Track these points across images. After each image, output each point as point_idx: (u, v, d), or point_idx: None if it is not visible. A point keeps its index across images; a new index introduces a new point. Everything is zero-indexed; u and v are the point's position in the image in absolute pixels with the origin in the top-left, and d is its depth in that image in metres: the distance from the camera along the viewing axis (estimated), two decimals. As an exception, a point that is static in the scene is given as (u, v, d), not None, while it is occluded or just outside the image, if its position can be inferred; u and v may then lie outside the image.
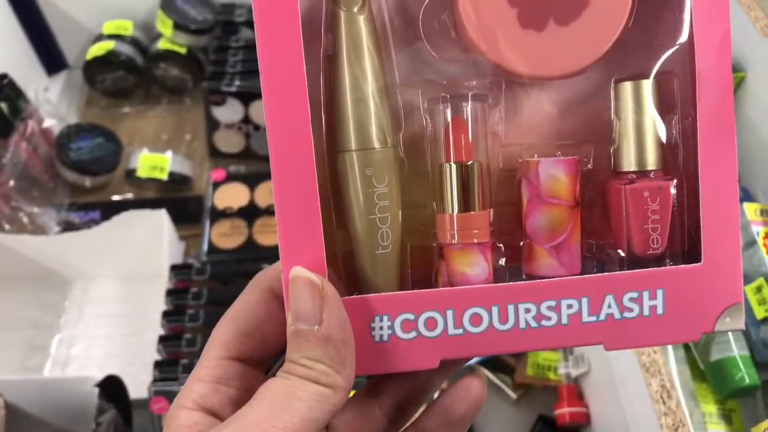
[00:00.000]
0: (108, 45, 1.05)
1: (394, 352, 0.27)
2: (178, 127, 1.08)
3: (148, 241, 0.82)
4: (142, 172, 0.94)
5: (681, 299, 0.27)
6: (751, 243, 0.82)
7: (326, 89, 0.28)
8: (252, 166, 0.95)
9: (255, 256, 0.80)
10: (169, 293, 0.73)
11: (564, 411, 0.76)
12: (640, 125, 0.28)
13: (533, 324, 0.27)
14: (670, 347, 0.76)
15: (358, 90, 0.27)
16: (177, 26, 1.05)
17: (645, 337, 0.27)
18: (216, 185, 0.88)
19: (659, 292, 0.27)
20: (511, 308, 0.27)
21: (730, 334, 0.76)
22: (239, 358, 0.27)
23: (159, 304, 0.76)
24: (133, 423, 0.72)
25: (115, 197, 0.98)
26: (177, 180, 0.96)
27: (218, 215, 0.85)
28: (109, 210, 0.94)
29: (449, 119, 0.28)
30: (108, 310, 0.87)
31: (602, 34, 0.27)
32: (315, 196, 0.26)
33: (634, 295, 0.27)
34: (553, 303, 0.27)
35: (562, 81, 0.29)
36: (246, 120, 0.97)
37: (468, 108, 0.28)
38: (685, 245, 0.29)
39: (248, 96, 0.94)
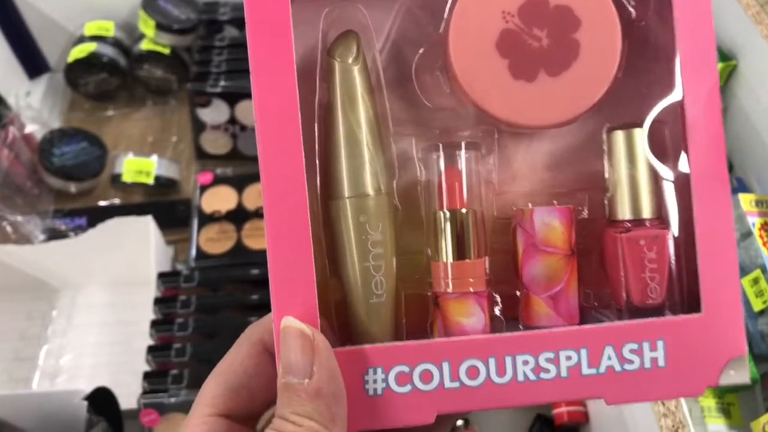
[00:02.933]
0: (90, 47, 1.03)
1: (388, 407, 0.26)
2: (164, 130, 1.06)
3: (136, 248, 0.81)
4: (127, 177, 0.92)
5: (683, 351, 0.27)
6: (746, 234, 0.81)
7: (321, 137, 0.28)
8: (239, 167, 0.94)
9: (244, 261, 0.79)
10: (157, 302, 0.72)
11: (562, 410, 0.76)
12: (634, 173, 0.28)
13: (532, 377, 0.27)
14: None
15: (353, 138, 0.28)
16: (159, 26, 1.02)
17: (647, 390, 0.27)
18: (203, 188, 0.86)
19: (660, 344, 0.27)
20: (508, 360, 0.27)
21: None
22: (227, 415, 0.27)
23: (149, 311, 0.75)
24: (125, 434, 0.71)
25: (102, 203, 0.97)
26: (163, 184, 0.94)
27: (206, 219, 0.84)
28: (96, 216, 0.93)
29: (443, 167, 0.28)
30: (97, 319, 0.86)
31: (593, 85, 0.28)
32: (308, 243, 0.26)
33: (634, 346, 0.27)
34: (551, 355, 0.27)
35: (555, 130, 0.29)
36: (232, 121, 0.95)
37: (461, 156, 0.28)
38: (685, 294, 0.28)
39: (234, 96, 0.93)
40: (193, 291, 0.73)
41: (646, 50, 0.29)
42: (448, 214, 0.28)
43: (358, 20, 0.29)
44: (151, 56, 1.04)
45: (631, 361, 0.27)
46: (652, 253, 0.27)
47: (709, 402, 0.75)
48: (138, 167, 0.92)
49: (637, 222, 0.28)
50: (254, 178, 0.88)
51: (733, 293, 0.27)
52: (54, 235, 0.91)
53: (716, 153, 0.27)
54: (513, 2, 0.27)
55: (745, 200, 0.82)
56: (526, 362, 0.26)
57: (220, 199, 0.85)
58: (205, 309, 0.72)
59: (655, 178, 0.29)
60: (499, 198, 0.30)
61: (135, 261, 0.81)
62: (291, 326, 0.25)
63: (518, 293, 0.29)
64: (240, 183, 0.87)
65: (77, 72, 1.04)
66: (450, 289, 0.28)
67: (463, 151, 0.28)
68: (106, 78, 1.05)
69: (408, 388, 0.27)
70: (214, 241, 0.82)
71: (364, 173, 0.28)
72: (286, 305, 0.26)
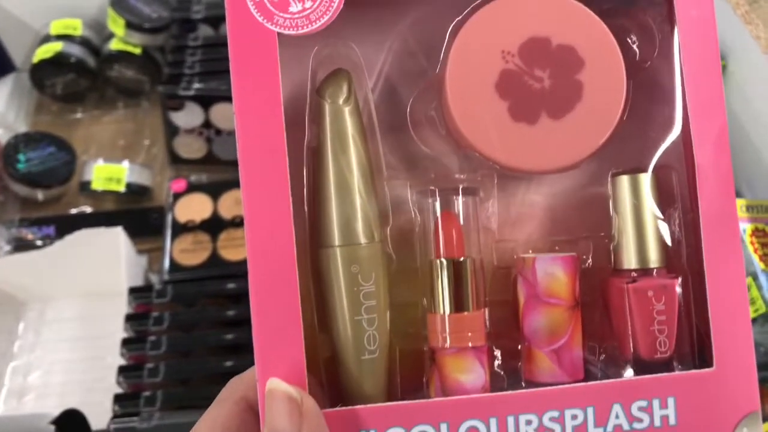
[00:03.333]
0: (56, 46, 0.99)
1: None
2: (136, 133, 1.02)
3: (106, 260, 0.77)
4: (97, 185, 0.88)
5: (694, 408, 0.26)
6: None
7: (309, 182, 0.27)
8: (214, 174, 0.90)
9: (220, 273, 0.76)
10: (129, 318, 0.69)
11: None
12: (640, 220, 0.27)
13: (536, 438, 0.25)
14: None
15: (344, 183, 0.26)
16: (129, 25, 0.98)
17: None
18: (176, 196, 0.82)
19: (670, 401, 0.25)
20: (511, 420, 0.25)
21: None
22: None
23: (121, 325, 0.71)
24: (97, 457, 0.68)
25: (71, 211, 0.93)
26: (135, 191, 0.91)
27: (180, 229, 0.80)
28: (65, 224, 0.89)
29: (439, 213, 0.27)
30: (66, 334, 0.82)
31: (597, 128, 0.26)
32: (295, 295, 0.24)
33: (644, 403, 0.25)
34: (556, 414, 0.25)
35: (557, 174, 0.28)
36: (207, 124, 0.92)
37: (458, 201, 0.27)
38: (695, 348, 0.27)
39: (208, 99, 0.89)
40: (166, 306, 0.70)
41: (651, 91, 0.27)
42: (445, 263, 0.26)
43: (349, 58, 0.27)
44: (122, 56, 1.00)
45: (640, 420, 0.25)
46: (661, 304, 0.26)
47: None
48: (108, 174, 0.88)
49: (644, 271, 0.27)
50: (230, 184, 0.84)
51: (746, 346, 0.25)
52: (20, 245, 0.88)
53: (727, 196, 0.26)
54: (513, 41, 0.25)
55: (737, 205, 0.81)
56: (529, 422, 0.25)
57: (195, 208, 0.82)
58: (180, 326, 0.68)
59: (662, 225, 0.27)
60: (498, 245, 0.28)
61: (106, 273, 0.77)
62: (277, 389, 0.24)
63: (519, 347, 0.27)
64: (215, 190, 0.83)
65: (43, 73, 1.00)
66: (447, 344, 0.26)
67: (460, 196, 0.27)
68: (74, 79, 1.01)
69: None
70: (189, 252, 0.78)
71: (355, 220, 0.26)
72: (272, 363, 0.24)
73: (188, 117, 0.91)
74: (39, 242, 0.88)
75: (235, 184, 0.85)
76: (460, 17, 0.26)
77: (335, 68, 0.26)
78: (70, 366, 0.80)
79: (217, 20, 1.00)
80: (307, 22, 0.24)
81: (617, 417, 0.25)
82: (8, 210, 0.91)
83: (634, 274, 0.27)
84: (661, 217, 0.27)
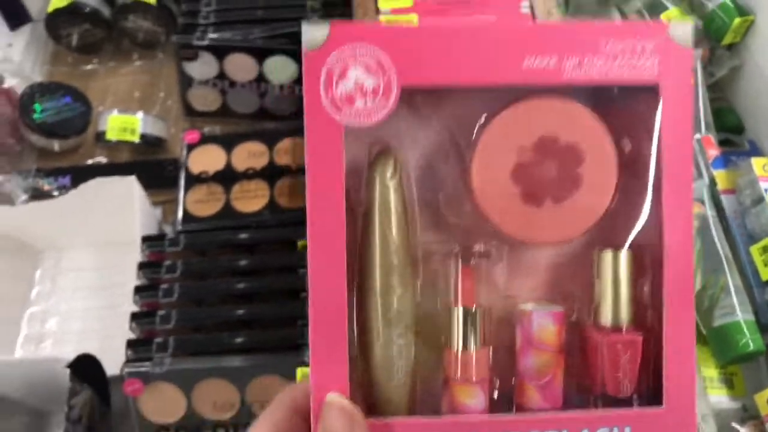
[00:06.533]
0: (71, -5, 0.98)
1: None
2: (152, 85, 1.02)
3: (120, 209, 0.77)
4: (111, 135, 0.88)
5: None
6: (758, 200, 0.77)
7: (360, 238, 0.33)
8: (228, 126, 0.90)
9: (233, 224, 0.76)
10: (142, 266, 0.69)
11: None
12: (617, 288, 0.34)
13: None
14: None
15: (385, 243, 0.33)
16: (144, -26, 0.97)
17: None
18: (190, 148, 0.82)
19: (627, 429, 0.32)
20: None
21: (734, 297, 0.72)
22: None
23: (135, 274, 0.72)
24: (112, 402, 0.69)
25: (88, 161, 0.93)
26: (150, 142, 0.90)
27: (193, 180, 0.80)
28: (81, 175, 0.89)
29: (459, 270, 0.34)
30: (82, 282, 0.83)
31: (590, 212, 0.33)
32: (344, 327, 0.31)
33: (606, 430, 0.32)
34: None
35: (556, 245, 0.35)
36: (221, 75, 0.91)
37: (475, 262, 0.34)
38: (651, 389, 0.34)
39: (222, 50, 0.88)
40: (178, 255, 0.70)
41: (637, 179, 0.33)
42: (461, 310, 0.33)
43: (398, 138, 0.34)
44: (136, 6, 0.99)
45: None
46: (627, 355, 0.33)
47: (711, 372, 0.73)
48: (123, 124, 0.88)
49: (616, 328, 0.34)
50: (243, 137, 0.84)
51: (690, 392, 0.32)
52: (37, 194, 0.88)
53: (686, 276, 0.32)
54: (529, 138, 0.32)
55: (758, 164, 0.78)
56: None
57: (208, 160, 0.81)
58: (192, 274, 0.69)
59: (635, 291, 0.34)
60: (504, 299, 0.35)
61: (120, 222, 0.77)
62: (335, 402, 0.30)
63: (514, 381, 0.34)
64: (229, 142, 0.83)
65: (58, 22, 0.99)
66: (458, 375, 0.33)
67: (476, 258, 0.34)
68: (90, 29, 1.00)
69: None
70: (202, 203, 0.78)
71: (393, 273, 0.32)
72: (324, 378, 0.31)
73: (203, 68, 0.90)
74: (55, 192, 0.88)
75: (248, 136, 0.84)
76: (486, 116, 0.33)
77: (385, 146, 0.33)
78: (86, 313, 0.81)
79: (232, -30, 0.99)
80: (367, 117, 0.31)
81: None
82: (25, 160, 0.91)
83: (608, 330, 0.34)
84: (634, 284, 0.33)
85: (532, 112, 0.32)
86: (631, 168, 0.33)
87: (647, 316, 0.34)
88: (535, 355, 0.33)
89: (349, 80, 0.30)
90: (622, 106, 0.33)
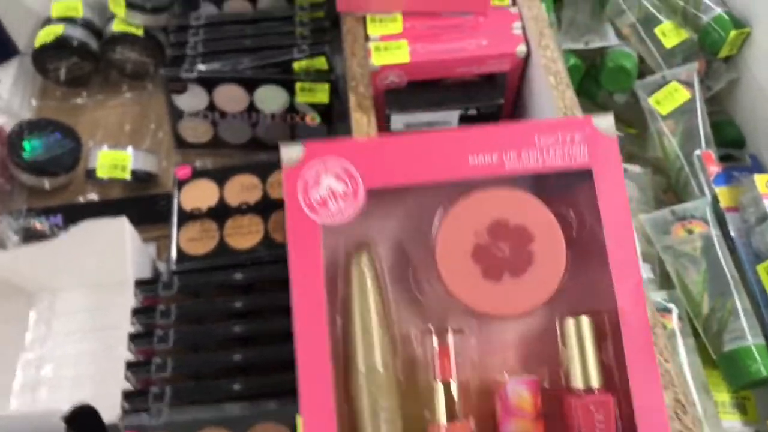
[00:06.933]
0: (57, 29, 0.97)
1: None
2: (142, 116, 1.00)
3: (112, 250, 0.76)
4: (102, 173, 0.87)
5: None
6: (762, 218, 0.76)
7: (343, 324, 0.36)
8: (220, 157, 0.88)
9: (228, 262, 0.74)
10: (135, 312, 0.67)
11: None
12: (583, 352, 0.37)
13: None
14: (680, 342, 0.71)
15: (366, 327, 0.35)
16: (130, 5, 0.96)
17: None
18: (181, 184, 0.81)
19: None
20: None
21: (743, 320, 0.71)
22: None
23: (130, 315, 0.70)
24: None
25: (79, 199, 0.91)
26: (141, 178, 0.89)
27: (186, 217, 0.78)
28: (73, 213, 0.88)
29: (436, 347, 0.36)
30: (77, 325, 0.81)
31: (545, 285, 0.37)
32: (332, 405, 0.34)
33: None
34: None
35: (520, 317, 0.38)
36: (211, 107, 0.89)
37: (450, 339, 0.36)
38: None
39: (211, 81, 0.87)
40: (173, 299, 0.68)
41: (587, 254, 0.38)
42: (441, 385, 0.35)
43: (369, 234, 0.38)
44: (124, 38, 0.98)
45: None
46: (600, 414, 0.35)
47: (723, 397, 0.71)
48: (113, 161, 0.87)
49: (588, 390, 0.37)
50: (236, 170, 0.82)
51: None
52: (29, 234, 0.87)
53: (643, 335, 0.35)
54: (483, 223, 0.37)
55: (761, 182, 0.77)
56: None
57: (200, 195, 0.80)
58: (187, 318, 0.67)
59: (600, 354, 0.37)
60: (480, 371, 0.38)
61: (112, 263, 0.76)
62: None
63: None
64: (221, 176, 0.81)
65: (46, 57, 0.98)
66: None
67: (450, 335, 0.36)
68: (78, 63, 0.99)
69: None
70: (196, 241, 0.76)
71: (374, 353, 0.35)
72: None
73: (192, 100, 0.88)
74: (47, 232, 0.87)
75: (240, 169, 0.83)
76: (443, 207, 0.37)
77: (360, 242, 0.37)
78: (80, 358, 0.79)
79: (220, -3, 0.97)
80: (340, 216, 0.36)
81: None
82: (15, 200, 0.90)
83: (580, 392, 0.37)
84: (599, 347, 0.37)
85: (483, 201, 0.37)
86: (579, 244, 0.38)
87: (614, 375, 0.38)
88: (514, 423, 0.36)
89: (322, 187, 0.36)
90: (563, 191, 0.38)
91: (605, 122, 0.36)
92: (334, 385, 0.33)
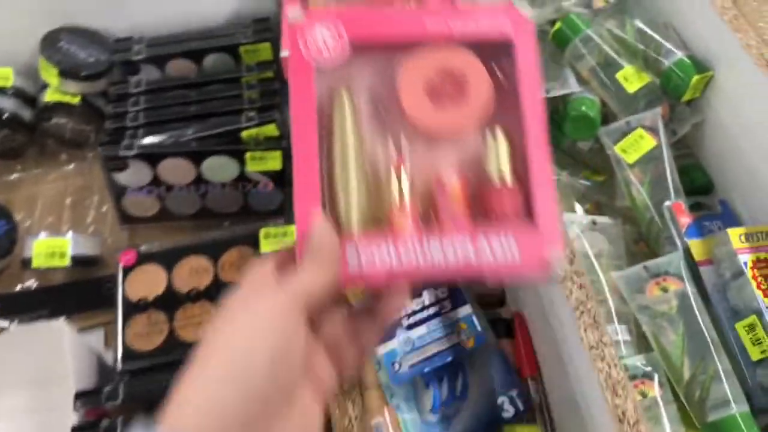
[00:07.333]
0: (-14, 102, 0.90)
1: None
2: (84, 188, 0.94)
3: (53, 354, 0.69)
4: (38, 262, 0.80)
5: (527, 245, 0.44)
6: (738, 274, 0.73)
7: (327, 143, 0.44)
8: (169, 231, 0.82)
9: (179, 358, 0.68)
10: (76, 430, 0.61)
11: None
12: (498, 155, 0.46)
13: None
14: (663, 411, 0.68)
15: (344, 142, 0.44)
16: (63, 73, 0.90)
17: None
18: (126, 271, 0.75)
19: (510, 237, 0.43)
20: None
21: (726, 385, 0.67)
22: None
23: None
24: None
25: (17, 286, 0.85)
26: (82, 262, 0.83)
27: (132, 309, 0.73)
28: (10, 304, 0.81)
29: (394, 155, 0.45)
30: (17, 427, 0.75)
31: (477, 113, 0.46)
32: (317, 185, 0.42)
33: (497, 237, 0.44)
34: None
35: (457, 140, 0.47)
36: (156, 182, 0.84)
37: (405, 149, 0.46)
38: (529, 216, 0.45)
39: (155, 157, 0.81)
40: (118, 411, 0.63)
41: (501, 94, 0.46)
42: (395, 173, 0.44)
43: (351, 79, 0.46)
44: (59, 107, 0.91)
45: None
46: (511, 200, 0.45)
47: (704, 452, 0.68)
48: (50, 249, 0.80)
49: (503, 183, 0.45)
50: (185, 250, 0.77)
51: (553, 215, 0.44)
52: (-38, 329, 0.80)
53: (540, 141, 0.45)
54: (433, 68, 0.46)
55: (734, 236, 0.74)
56: None
57: (147, 282, 0.74)
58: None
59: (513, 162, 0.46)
60: (426, 176, 0.46)
61: (53, 366, 0.70)
62: (320, 222, 0.40)
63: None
64: (169, 259, 0.76)
65: (-26, 133, 0.91)
66: (397, 209, 0.44)
67: (406, 146, 0.45)
68: (9, 135, 0.93)
69: None
70: (143, 336, 0.71)
71: (348, 152, 0.44)
72: (305, 214, 0.41)
73: (135, 176, 0.83)
74: (-16, 324, 0.80)
75: (190, 250, 0.77)
76: (405, 59, 0.46)
77: (344, 85, 0.45)
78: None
79: (161, 60, 0.92)
80: (330, 62, 0.44)
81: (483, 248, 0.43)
82: (-54, 293, 0.83)
83: (496, 185, 0.46)
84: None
85: (434, 53, 0.46)
86: (502, 89, 0.47)
87: (521, 175, 0.46)
88: (448, 201, 0.45)
89: (318, 39, 0.44)
90: (490, 58, 0.47)
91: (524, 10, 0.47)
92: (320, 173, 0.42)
